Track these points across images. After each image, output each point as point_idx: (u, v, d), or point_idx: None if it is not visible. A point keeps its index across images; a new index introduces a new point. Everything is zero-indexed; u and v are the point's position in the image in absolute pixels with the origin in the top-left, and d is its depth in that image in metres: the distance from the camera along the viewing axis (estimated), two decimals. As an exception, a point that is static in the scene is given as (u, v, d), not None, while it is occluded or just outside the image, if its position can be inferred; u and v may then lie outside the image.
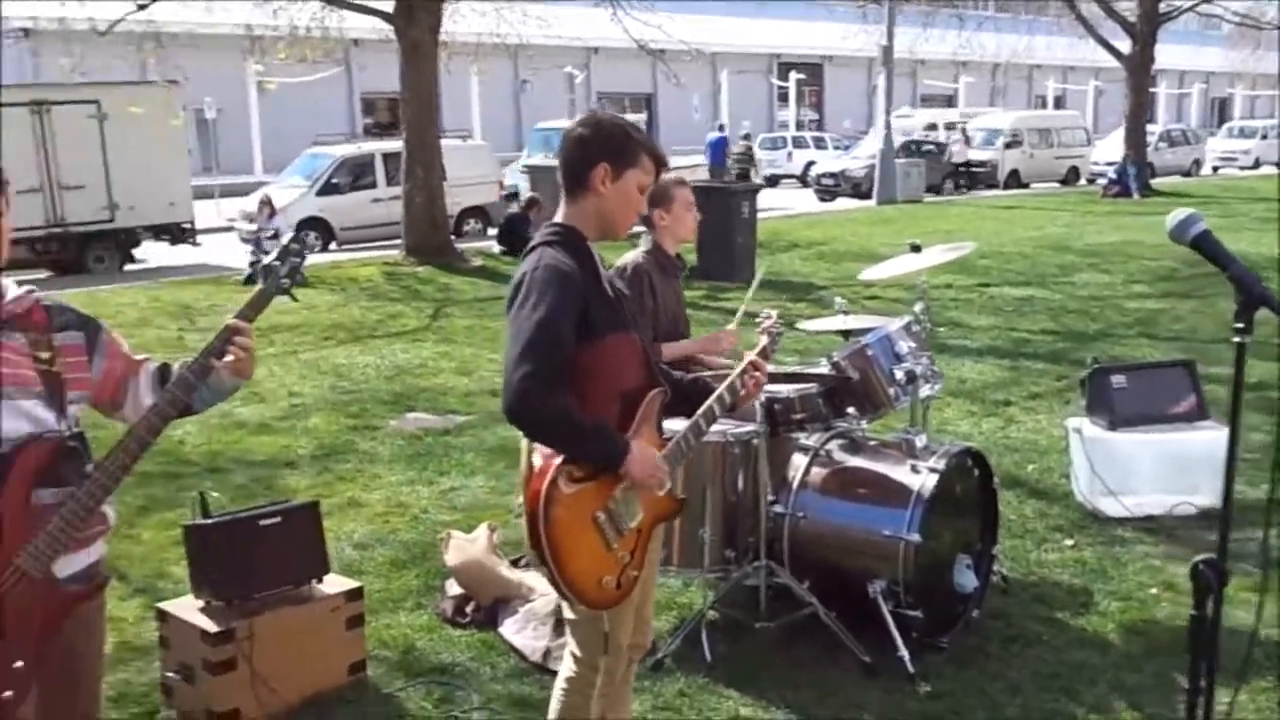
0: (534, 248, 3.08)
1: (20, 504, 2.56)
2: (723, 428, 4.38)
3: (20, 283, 2.74)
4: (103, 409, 2.88)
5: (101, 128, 18.02)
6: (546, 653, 4.37)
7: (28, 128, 17.35)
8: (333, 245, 20.22)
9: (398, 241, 16.89)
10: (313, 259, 17.87)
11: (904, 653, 4.19)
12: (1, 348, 2.61)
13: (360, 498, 6.50)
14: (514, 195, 22.22)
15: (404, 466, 7.07)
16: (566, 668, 3.25)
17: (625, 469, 2.91)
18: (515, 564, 5.12)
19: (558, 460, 2.87)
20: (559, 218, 3.16)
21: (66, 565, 2.64)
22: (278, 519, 4.05)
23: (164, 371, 2.91)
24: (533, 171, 20.57)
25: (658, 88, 42.56)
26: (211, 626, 3.88)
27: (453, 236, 17.70)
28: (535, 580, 4.89)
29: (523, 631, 4.54)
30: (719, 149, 26.71)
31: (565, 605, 3.13)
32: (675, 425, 3.23)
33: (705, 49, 28.96)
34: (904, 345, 4.63)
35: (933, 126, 35.37)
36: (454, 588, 4.90)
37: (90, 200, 18.02)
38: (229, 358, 2.81)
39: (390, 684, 4.27)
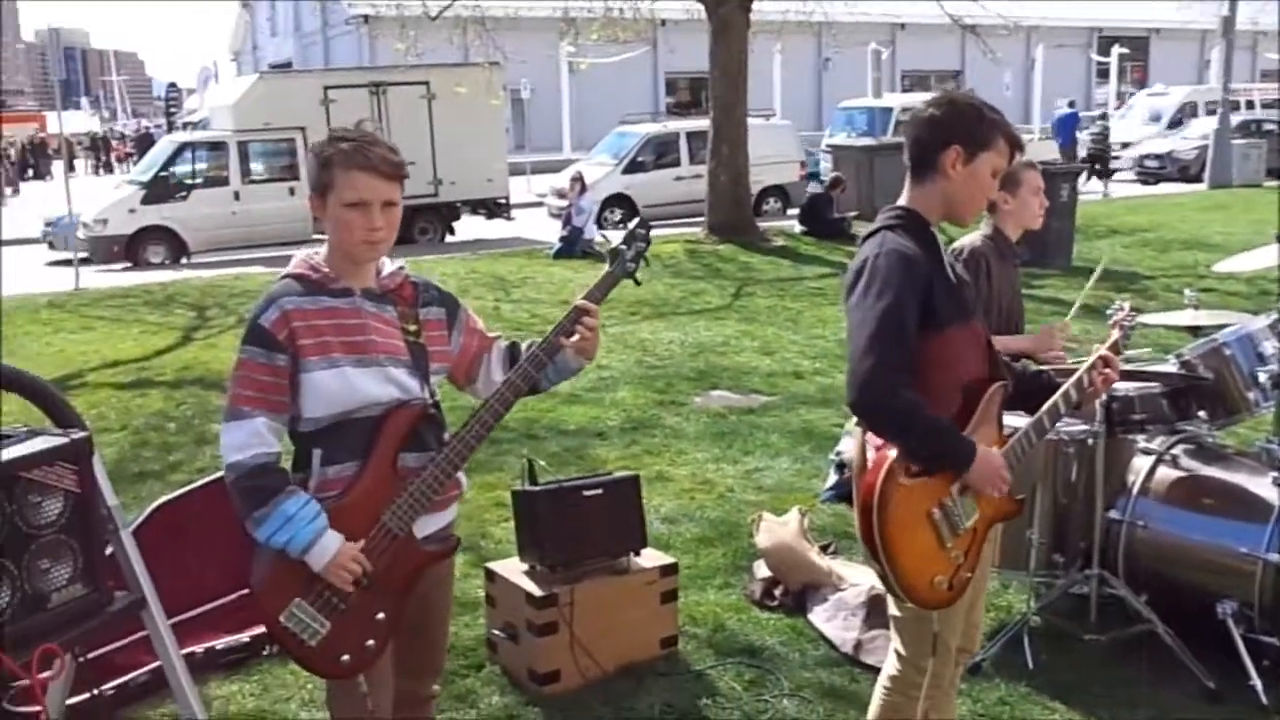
0: (875, 231, 2.98)
1: (388, 465, 2.71)
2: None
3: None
4: (457, 382, 3.02)
5: (430, 107, 19.17)
6: (858, 645, 4.29)
7: (366, 108, 18.65)
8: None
9: (699, 219, 17.08)
10: (615, 234, 18.27)
11: (1256, 681, 3.84)
12: (378, 318, 2.78)
13: (667, 472, 6.60)
14: (814, 175, 22.08)
15: (709, 444, 7.13)
16: (890, 665, 3.15)
17: (968, 474, 2.79)
18: (824, 550, 5.05)
19: (893, 452, 2.77)
20: (903, 200, 3.05)
21: (425, 525, 2.79)
22: (600, 490, 4.15)
23: (513, 349, 3.03)
24: (836, 151, 20.29)
25: (966, 64, 41.14)
26: (536, 590, 4.03)
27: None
28: (845, 568, 4.82)
29: (833, 620, 4.47)
30: (1068, 127, 25.22)
31: (892, 602, 3.04)
32: (1015, 421, 3.07)
33: (1022, 22, 27.61)
34: (1268, 345, 4.22)
35: (1249, 104, 32.04)
36: (763, 570, 4.89)
37: (418, 176, 19.18)
38: (575, 337, 2.89)
39: (701, 660, 4.31)
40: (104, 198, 18.85)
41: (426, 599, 2.92)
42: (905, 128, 3.08)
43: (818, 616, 4.53)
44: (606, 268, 3.02)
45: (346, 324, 2.72)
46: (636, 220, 3.09)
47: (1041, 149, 23.96)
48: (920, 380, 2.81)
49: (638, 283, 3.09)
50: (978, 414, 2.91)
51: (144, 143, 36.89)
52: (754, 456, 6.85)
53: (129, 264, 17.39)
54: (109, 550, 2.66)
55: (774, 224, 17.89)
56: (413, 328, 2.85)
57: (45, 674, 2.23)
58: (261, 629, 4.48)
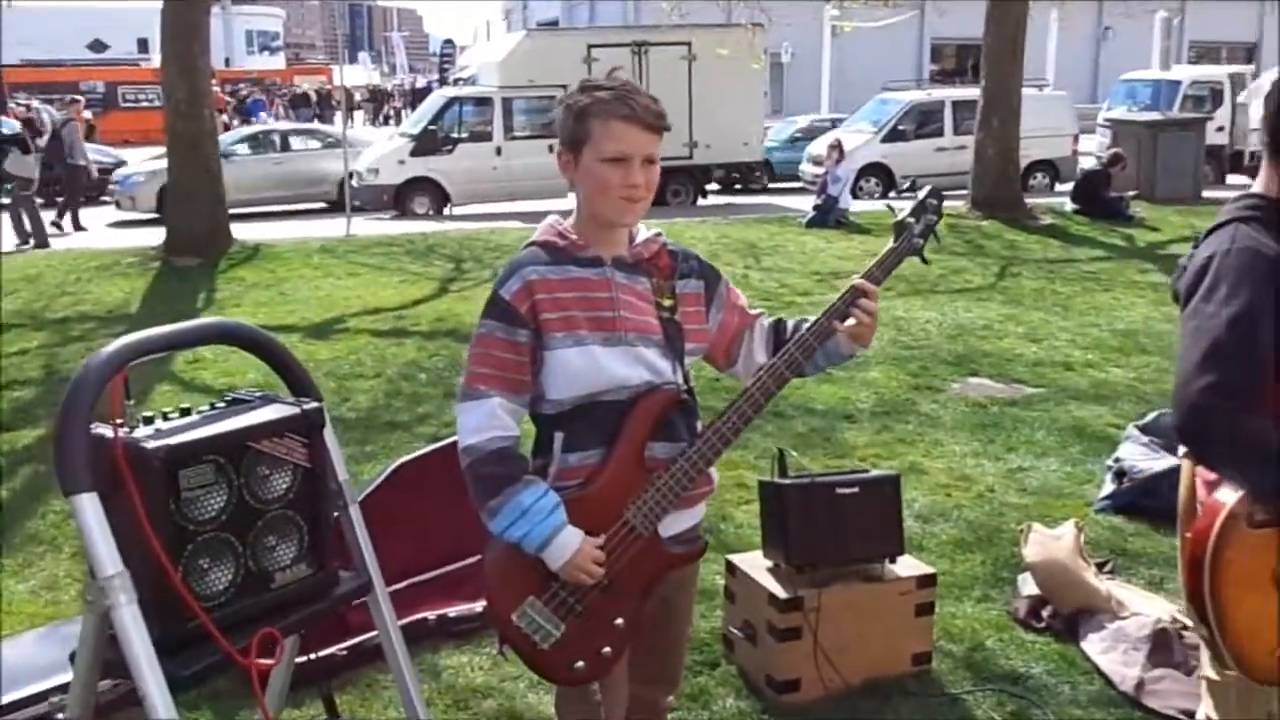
0: (1223, 224, 2.48)
1: (635, 456, 2.46)
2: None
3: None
4: (716, 362, 2.73)
5: (690, 68, 18.99)
6: (1139, 685, 3.79)
7: (628, 67, 18.63)
8: (891, 194, 19.99)
9: (961, 192, 16.25)
10: (873, 205, 17.80)
11: None
12: (629, 291, 2.52)
13: (921, 464, 6.16)
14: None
15: (968, 436, 6.63)
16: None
17: None
18: (1101, 569, 4.54)
19: (1232, 494, 2.30)
20: (1257, 187, 2.53)
21: (671, 524, 2.53)
22: (856, 489, 3.79)
23: (778, 328, 2.71)
24: (1115, 125, 18.90)
25: (1263, 36, 37.79)
26: (780, 592, 3.73)
27: (1019, 190, 16.74)
28: (1125, 593, 4.30)
29: (1110, 653, 3.97)
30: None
31: (1209, 663, 2.56)
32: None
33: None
34: None
35: None
36: (1029, 585, 4.42)
37: (673, 138, 18.98)
38: (851, 321, 2.55)
39: (957, 683, 3.91)
40: (377, 148, 19.61)
41: (667, 603, 2.67)
42: (1266, 101, 2.55)
43: (1093, 646, 4.04)
44: (890, 243, 2.66)
45: (594, 297, 2.47)
46: (927, 189, 2.71)
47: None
48: (1271, 407, 2.31)
49: (925, 261, 2.72)
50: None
51: (418, 97, 38.37)
52: (1018, 454, 6.31)
53: (396, 213, 18.04)
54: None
55: (1042, 200, 16.83)
56: (668, 302, 2.57)
57: (265, 661, 2.09)
58: (494, 600, 4.38)
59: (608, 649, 2.50)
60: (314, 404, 2.27)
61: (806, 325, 2.62)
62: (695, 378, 2.63)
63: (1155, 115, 19.38)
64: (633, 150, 2.40)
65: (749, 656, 3.90)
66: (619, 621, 2.49)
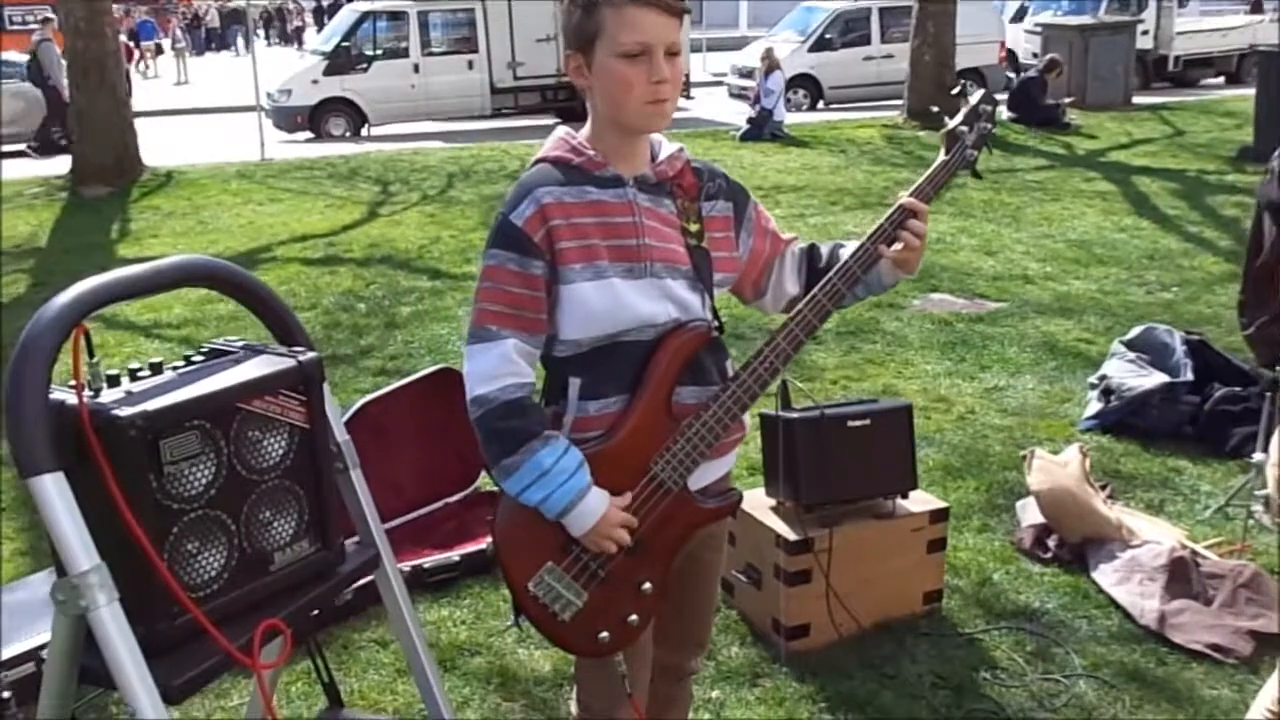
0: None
1: (662, 403, 2.16)
2: None
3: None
4: (741, 294, 2.43)
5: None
6: (1162, 618, 3.62)
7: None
8: (820, 104, 19.69)
9: (886, 103, 16.02)
10: (804, 117, 17.49)
11: None
12: (653, 215, 2.19)
13: (895, 386, 5.95)
14: (1012, 56, 20.60)
15: (938, 355, 6.43)
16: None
17: None
18: (1100, 491, 4.37)
19: None
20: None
21: (701, 475, 2.24)
22: (867, 421, 3.54)
23: (810, 254, 2.41)
24: (1046, 30, 18.70)
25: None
26: (789, 533, 3.48)
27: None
28: (1134, 520, 4.14)
29: (1125, 584, 3.81)
30: None
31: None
32: None
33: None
34: None
35: None
36: (1031, 514, 4.24)
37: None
38: (898, 245, 2.26)
39: (969, 622, 3.71)
40: (287, 68, 18.74)
41: (696, 561, 2.40)
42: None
43: (1106, 577, 3.87)
44: (941, 155, 2.37)
45: (615, 223, 2.14)
46: (981, 94, 2.40)
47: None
48: None
49: (978, 175, 2.43)
50: None
51: (326, 14, 36.93)
52: (991, 372, 6.14)
53: (312, 135, 17.31)
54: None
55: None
56: (694, 227, 2.24)
57: (269, 661, 1.77)
58: (472, 546, 4.10)
59: (634, 617, 2.23)
60: (310, 354, 1.93)
61: (846, 250, 2.33)
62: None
63: (1086, 19, 19.23)
64: (655, 39, 2.05)
65: (753, 601, 3.67)
66: (646, 586, 2.22)
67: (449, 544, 4.18)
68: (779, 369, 2.23)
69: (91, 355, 1.75)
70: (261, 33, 42.27)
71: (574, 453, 2.10)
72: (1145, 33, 21.06)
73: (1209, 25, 24.02)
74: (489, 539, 4.13)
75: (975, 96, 2.39)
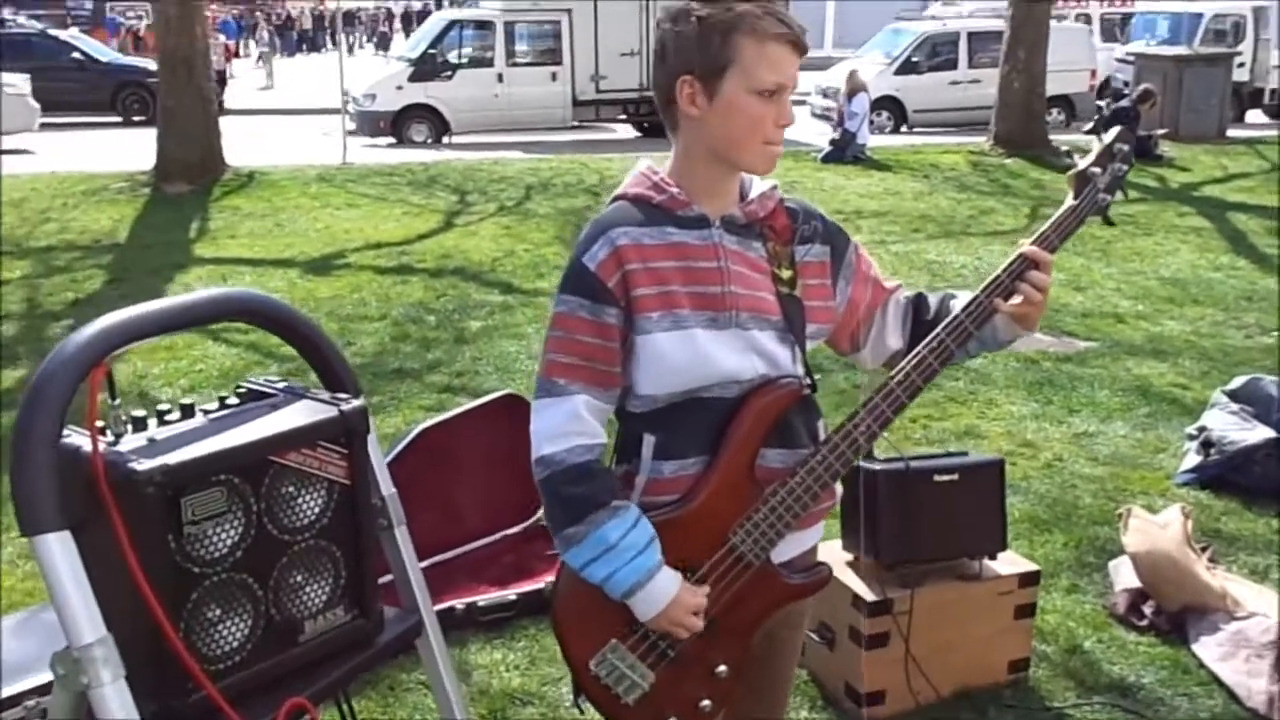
0: None
1: (745, 466, 1.96)
2: None
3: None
4: (837, 346, 2.22)
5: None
6: (1270, 701, 3.33)
7: (634, -6, 18.00)
8: (903, 128, 19.35)
9: (974, 128, 15.64)
10: (887, 140, 17.14)
11: None
12: (741, 259, 1.99)
13: (978, 427, 5.67)
14: (1105, 85, 20.10)
15: (1024, 395, 6.13)
16: None
17: None
18: (1201, 554, 4.07)
19: None
20: None
21: (785, 548, 2.03)
22: (955, 476, 3.30)
23: (917, 305, 2.19)
24: (1140, 60, 18.18)
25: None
26: (867, 593, 3.24)
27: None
28: (1239, 589, 3.84)
29: (1230, 660, 3.51)
30: None
31: None
32: None
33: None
34: None
35: None
36: (1125, 576, 3.95)
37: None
38: (1017, 299, 2.04)
39: (1058, 695, 3.45)
40: (373, 73, 18.84)
41: (774, 639, 2.18)
42: None
43: (1208, 651, 3.58)
44: (1069, 199, 2.13)
45: (698, 267, 1.94)
46: (1116, 132, 2.16)
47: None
48: None
49: (1110, 223, 2.24)
50: None
51: (414, 20, 37.28)
52: (1080, 416, 5.83)
53: (394, 140, 17.36)
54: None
55: (1066, 138, 16.20)
56: (787, 274, 2.04)
57: (292, 743, 1.59)
58: (529, 585, 3.92)
59: (707, 702, 2.03)
60: (355, 403, 1.75)
61: (957, 302, 2.10)
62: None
63: (1181, 50, 18.69)
64: (789, 79, 1.91)
65: (825, 662, 3.43)
66: (721, 669, 2.01)
67: (506, 580, 4.00)
68: (877, 434, 2.02)
69: (114, 397, 1.59)
70: (352, 36, 42.82)
71: (644, 526, 1.91)
72: (1241, 65, 20.44)
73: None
74: (547, 577, 3.95)
75: (1110, 135, 2.16)
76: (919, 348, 2.04)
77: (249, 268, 8.85)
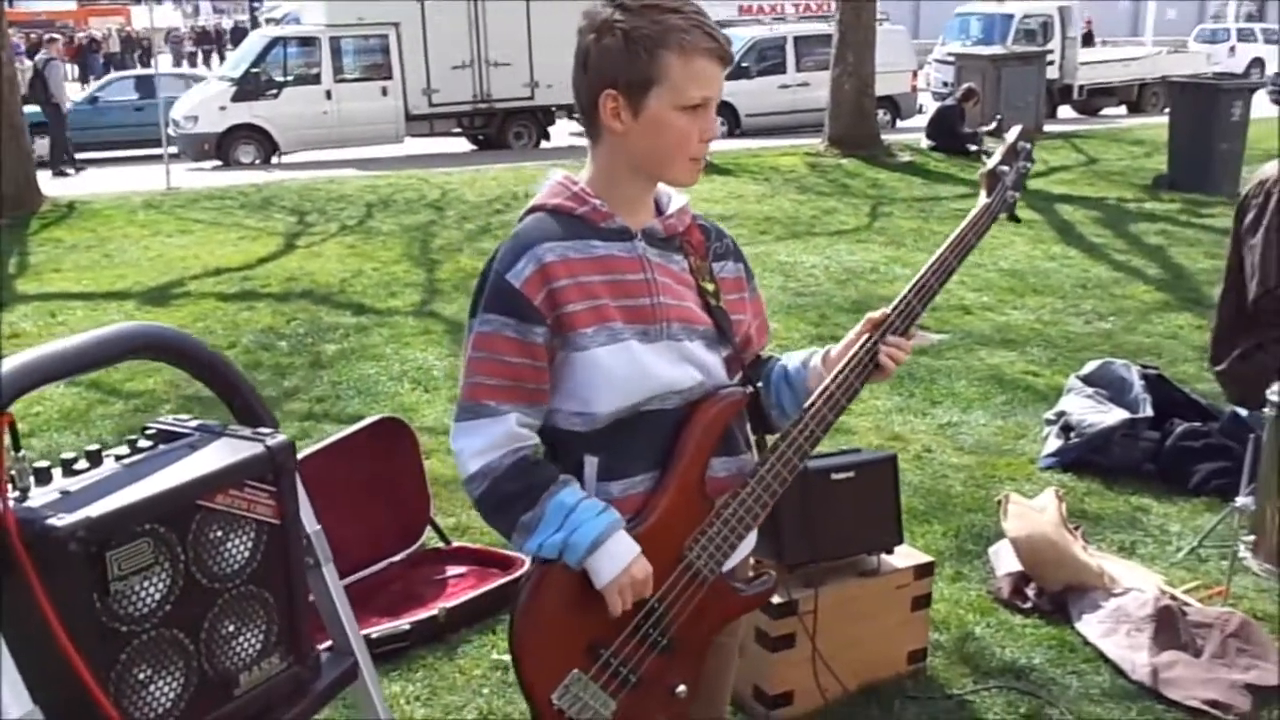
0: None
1: (697, 481, 1.94)
2: None
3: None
4: None
5: (528, 6, 18.15)
6: (1154, 673, 3.46)
7: (463, 7, 17.80)
8: (736, 132, 19.68)
9: (804, 129, 16.01)
10: (726, 145, 17.39)
11: None
12: (665, 271, 1.97)
13: (847, 423, 5.76)
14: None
15: (887, 389, 6.26)
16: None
17: None
18: (1073, 534, 4.22)
19: None
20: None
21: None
22: (851, 473, 3.33)
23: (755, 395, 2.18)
24: (960, 60, 18.91)
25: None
26: (773, 596, 3.24)
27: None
28: (1115, 567, 4.00)
29: (1112, 635, 3.65)
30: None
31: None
32: None
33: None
34: None
35: None
36: (1005, 560, 4.07)
37: (514, 78, 18.28)
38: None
39: (956, 681, 3.52)
40: (194, 94, 18.16)
41: (717, 645, 2.15)
42: None
43: (1091, 629, 3.71)
44: (981, 198, 2.18)
45: (625, 280, 1.91)
46: (1017, 131, 2.22)
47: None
48: None
49: (1016, 219, 2.27)
50: None
51: (229, 38, 36.13)
52: (943, 408, 6.00)
53: (220, 163, 16.77)
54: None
55: (895, 138, 16.72)
56: (710, 286, 2.04)
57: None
58: (422, 613, 3.80)
59: None
60: (280, 437, 1.65)
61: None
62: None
63: (997, 49, 19.53)
64: (715, 93, 1.89)
65: (732, 667, 3.42)
66: (680, 689, 1.98)
67: (396, 609, 3.87)
68: (820, 437, 2.03)
69: (17, 448, 1.46)
70: (162, 58, 41.20)
71: (597, 498, 1.88)
72: (1051, 63, 21.49)
73: (1112, 56, 24.66)
74: (440, 603, 3.85)
75: (1013, 134, 2.21)
76: (855, 352, 2.05)
77: (80, 302, 8.40)
